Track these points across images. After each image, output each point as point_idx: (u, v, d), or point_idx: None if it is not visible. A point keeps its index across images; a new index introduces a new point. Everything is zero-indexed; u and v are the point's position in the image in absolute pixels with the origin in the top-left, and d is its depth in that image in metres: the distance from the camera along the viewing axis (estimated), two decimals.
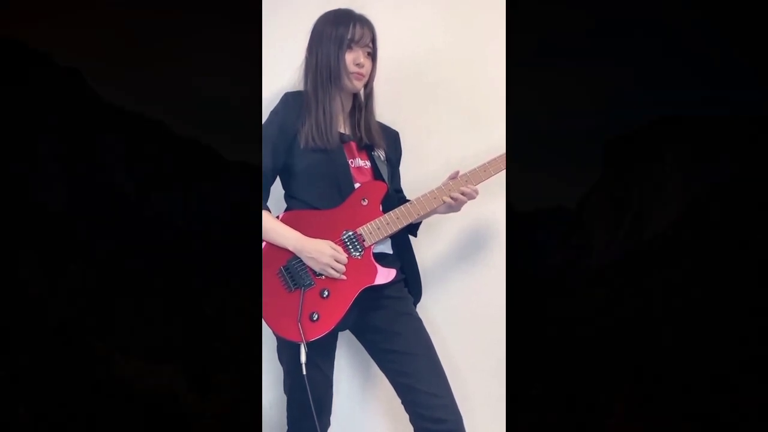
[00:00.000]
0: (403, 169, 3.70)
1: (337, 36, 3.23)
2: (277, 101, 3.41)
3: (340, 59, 3.23)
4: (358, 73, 3.27)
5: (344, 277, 3.17)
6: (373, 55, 3.33)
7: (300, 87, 3.38)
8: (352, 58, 3.24)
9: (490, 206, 3.65)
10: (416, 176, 3.66)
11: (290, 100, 3.33)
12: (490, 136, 3.86)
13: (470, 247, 3.94)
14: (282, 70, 3.67)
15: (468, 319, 3.93)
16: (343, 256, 3.16)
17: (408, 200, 3.51)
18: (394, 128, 3.60)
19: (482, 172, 3.35)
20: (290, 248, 3.18)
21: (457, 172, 3.35)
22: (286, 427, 3.39)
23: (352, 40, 3.23)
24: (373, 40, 3.30)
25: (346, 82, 3.26)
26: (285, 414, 3.44)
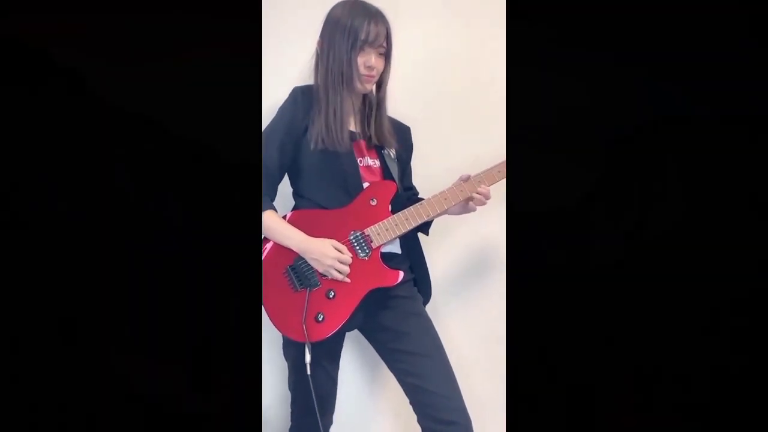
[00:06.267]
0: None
1: (351, 34, 3.11)
2: (282, 98, 3.35)
3: (352, 61, 3.13)
4: (368, 76, 3.18)
5: (348, 279, 3.12)
6: (386, 55, 3.23)
7: (309, 80, 3.31)
8: (363, 61, 3.15)
9: (491, 207, 3.65)
10: (421, 177, 3.64)
11: (299, 95, 3.25)
12: (495, 137, 3.86)
13: (471, 247, 3.93)
14: (283, 68, 3.65)
15: (469, 319, 3.92)
16: (348, 258, 3.11)
17: (420, 198, 3.47)
18: (405, 123, 3.54)
19: (496, 173, 3.31)
20: (294, 249, 3.14)
21: (469, 176, 3.30)
22: (290, 423, 3.38)
23: (365, 41, 3.11)
24: (388, 39, 3.20)
25: (357, 84, 3.18)
26: (285, 414, 3.44)
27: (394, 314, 3.27)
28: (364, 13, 3.17)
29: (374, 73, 3.22)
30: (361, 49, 3.17)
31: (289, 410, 3.38)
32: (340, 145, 3.18)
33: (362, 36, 3.15)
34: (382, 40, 3.19)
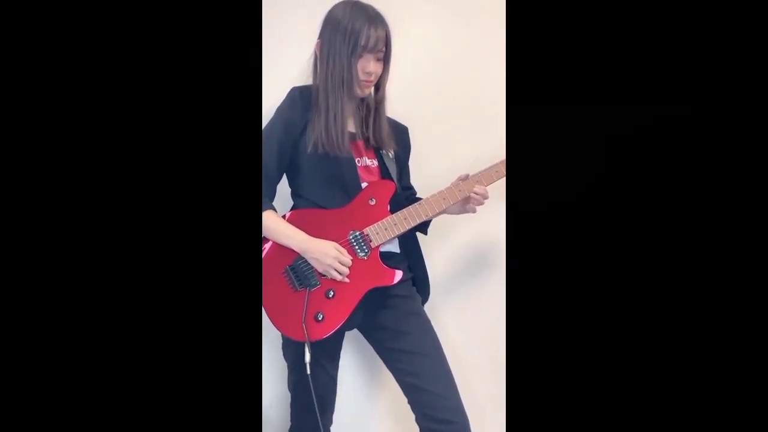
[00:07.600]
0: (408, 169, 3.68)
1: (352, 39, 3.11)
2: (282, 98, 3.35)
3: (352, 67, 3.14)
4: (367, 81, 3.19)
5: (347, 279, 3.14)
6: (385, 58, 3.23)
7: (308, 80, 3.31)
8: (362, 66, 3.15)
9: (491, 206, 3.66)
10: (420, 177, 3.65)
11: (297, 94, 3.25)
12: (495, 137, 3.86)
13: (470, 247, 3.94)
14: (283, 68, 3.66)
15: (468, 319, 3.93)
16: (348, 259, 3.13)
17: (418, 198, 3.48)
18: (403, 123, 3.55)
19: (494, 173, 3.32)
20: (295, 248, 3.16)
21: (467, 175, 3.32)
22: (290, 423, 3.39)
23: (365, 47, 3.12)
24: (387, 43, 3.20)
25: (357, 89, 3.20)
26: (285, 413, 3.44)
27: (393, 313, 3.29)
28: (364, 16, 3.23)
29: (372, 78, 3.24)
30: (360, 54, 3.17)
31: (289, 410, 3.38)
32: (340, 150, 3.20)
33: (362, 41, 3.17)
34: (381, 46, 3.20)
